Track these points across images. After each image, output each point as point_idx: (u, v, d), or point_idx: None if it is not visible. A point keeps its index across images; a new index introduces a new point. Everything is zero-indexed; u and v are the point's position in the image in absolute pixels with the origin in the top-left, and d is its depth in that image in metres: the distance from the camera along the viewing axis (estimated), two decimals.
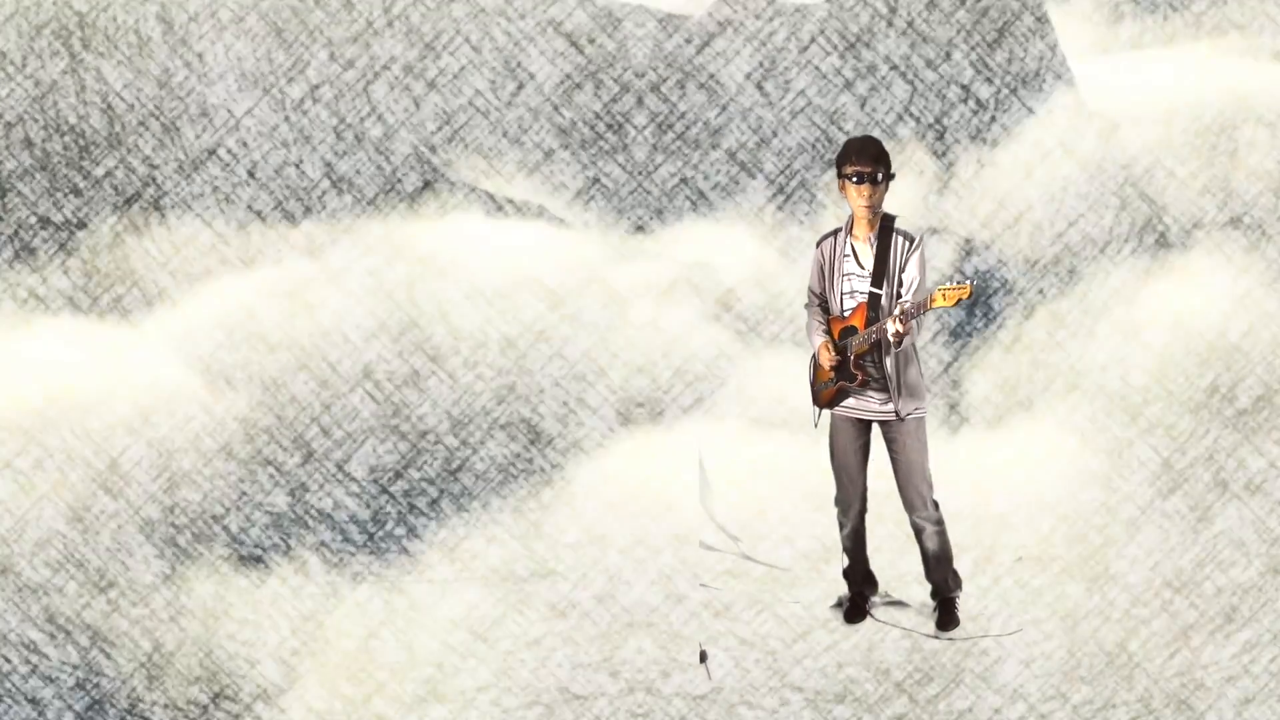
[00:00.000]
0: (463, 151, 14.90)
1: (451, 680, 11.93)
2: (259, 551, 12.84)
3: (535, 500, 13.24)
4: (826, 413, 10.79)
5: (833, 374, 10.43)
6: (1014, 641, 11.85)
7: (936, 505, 10.75)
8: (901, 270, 10.13)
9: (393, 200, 14.50)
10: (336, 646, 12.38)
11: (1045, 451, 13.51)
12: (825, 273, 10.40)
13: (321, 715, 12.02)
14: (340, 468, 13.30)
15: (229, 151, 14.42)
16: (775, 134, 15.10)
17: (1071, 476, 13.31)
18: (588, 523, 13.01)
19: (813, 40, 15.34)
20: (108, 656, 12.19)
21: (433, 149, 14.76)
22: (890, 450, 10.54)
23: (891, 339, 9.90)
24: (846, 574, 11.46)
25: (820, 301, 10.51)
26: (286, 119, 14.44)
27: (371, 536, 13.05)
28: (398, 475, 13.34)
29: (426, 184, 14.59)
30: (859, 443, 10.63)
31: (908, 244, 10.14)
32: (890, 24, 15.23)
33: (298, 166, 14.43)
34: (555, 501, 13.29)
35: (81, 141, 14.12)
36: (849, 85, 15.18)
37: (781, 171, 15.03)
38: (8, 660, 12.03)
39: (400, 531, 13.10)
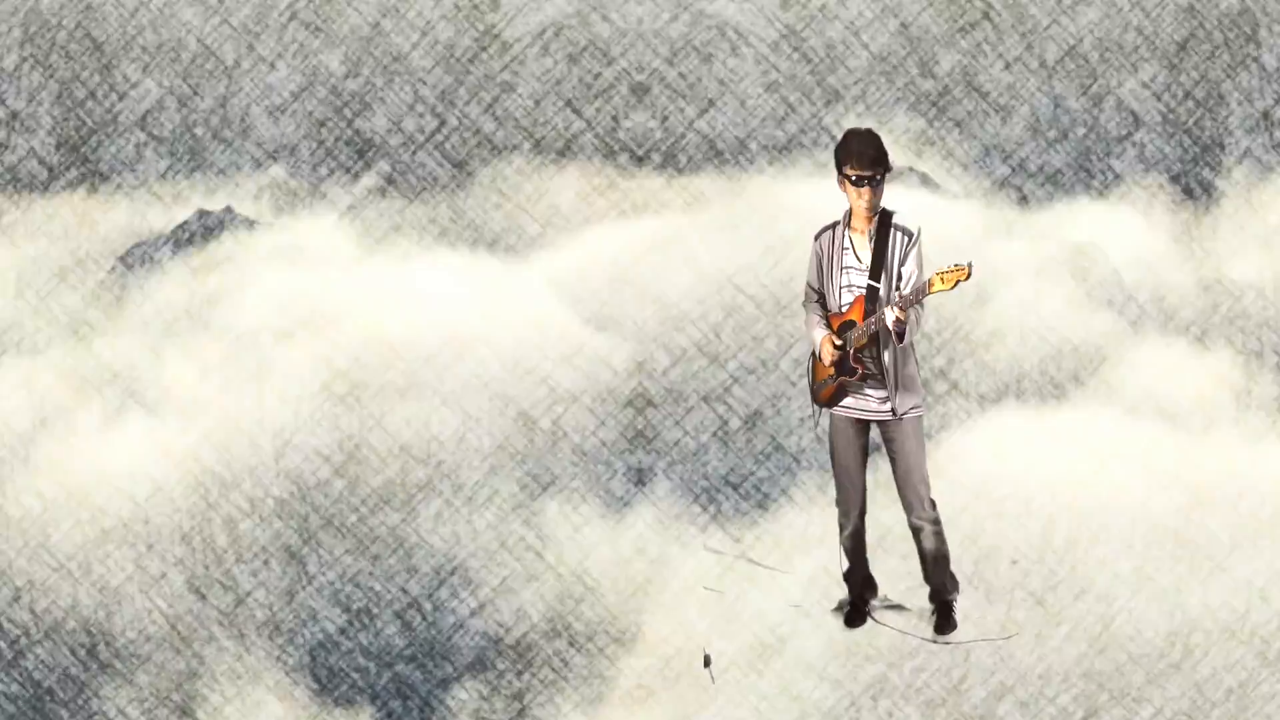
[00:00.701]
0: (849, 109, 14.83)
1: (784, 645, 12.07)
2: (621, 496, 13.15)
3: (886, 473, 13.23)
4: (826, 414, 10.58)
5: (832, 370, 10.25)
6: (1011, 644, 11.76)
7: (934, 505, 10.52)
8: (901, 264, 9.96)
9: (770, 157, 14.55)
10: (684, 594, 12.63)
11: None
12: (823, 266, 10.23)
13: (666, 659, 12.29)
14: (720, 423, 13.47)
15: (625, 101, 14.73)
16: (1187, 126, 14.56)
17: None
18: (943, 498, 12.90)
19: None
20: (454, 584, 12.73)
21: (818, 105, 14.74)
22: (889, 451, 10.37)
23: (891, 326, 9.80)
24: (846, 577, 11.20)
25: (819, 297, 10.35)
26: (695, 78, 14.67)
27: (731, 494, 13.19)
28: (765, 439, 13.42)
29: (792, 141, 14.59)
30: (858, 443, 10.44)
31: (906, 239, 9.98)
32: None
33: (693, 124, 14.63)
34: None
35: (487, 84, 14.66)
36: None
37: (1179, 159, 14.46)
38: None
39: (763, 492, 13.20)
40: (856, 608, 11.23)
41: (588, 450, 13.31)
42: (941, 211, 14.36)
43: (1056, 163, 14.78)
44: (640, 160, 14.28)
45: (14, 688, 12.39)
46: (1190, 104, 14.58)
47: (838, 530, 11.02)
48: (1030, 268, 14.23)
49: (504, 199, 14.45)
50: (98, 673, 12.43)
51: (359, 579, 12.85)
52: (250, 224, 14.48)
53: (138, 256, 14.34)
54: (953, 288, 9.49)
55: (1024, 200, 14.56)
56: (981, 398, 13.73)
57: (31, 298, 14.08)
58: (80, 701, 12.28)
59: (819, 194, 14.24)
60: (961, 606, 11.18)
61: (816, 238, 10.19)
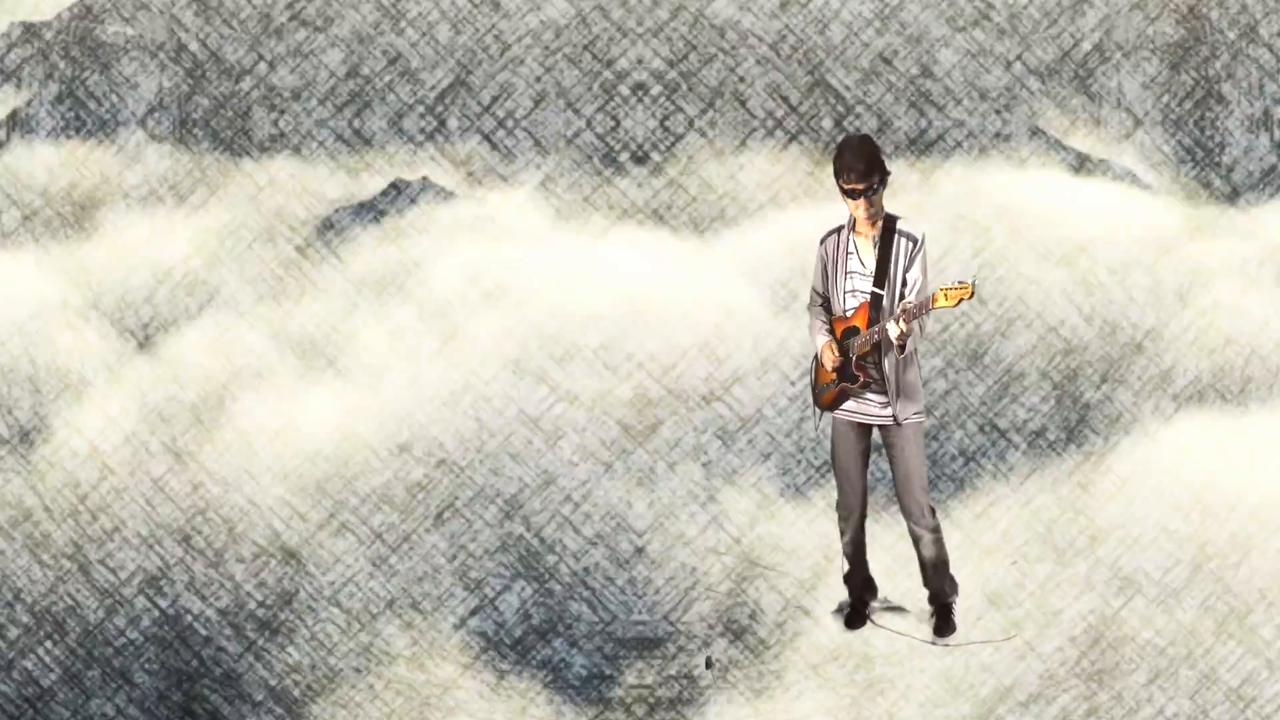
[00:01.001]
0: (1048, 105, 14.75)
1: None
2: (799, 482, 13.15)
3: (1077, 475, 13.21)
4: (828, 417, 10.66)
5: (834, 375, 10.31)
6: (1011, 644, 11.84)
7: (933, 512, 10.64)
8: (905, 271, 10.02)
9: (970, 146, 14.47)
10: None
11: None
12: (828, 270, 10.28)
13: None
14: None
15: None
16: None
17: None
18: (1128, 507, 12.89)
19: None
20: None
21: (1018, 97, 14.65)
22: (889, 457, 10.46)
23: (894, 339, 9.85)
24: (847, 579, 11.30)
25: (824, 301, 10.38)
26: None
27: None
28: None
29: (1000, 134, 14.51)
30: (859, 447, 10.53)
31: (910, 245, 10.01)
32: None
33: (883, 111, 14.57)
34: (1096, 478, 13.17)
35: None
36: None
37: None
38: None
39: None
40: (856, 610, 11.31)
41: (767, 436, 13.40)
42: (1142, 208, 14.28)
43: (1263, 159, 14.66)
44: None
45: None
46: None
47: (839, 534, 11.04)
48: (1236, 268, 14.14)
49: (687, 178, 14.43)
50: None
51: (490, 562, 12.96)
52: (446, 195, 14.60)
53: (335, 223, 14.51)
54: (955, 305, 9.45)
55: (1229, 200, 14.45)
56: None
57: (230, 259, 14.29)
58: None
59: (1012, 184, 14.24)
60: (960, 608, 11.16)
61: (822, 241, 10.19)
